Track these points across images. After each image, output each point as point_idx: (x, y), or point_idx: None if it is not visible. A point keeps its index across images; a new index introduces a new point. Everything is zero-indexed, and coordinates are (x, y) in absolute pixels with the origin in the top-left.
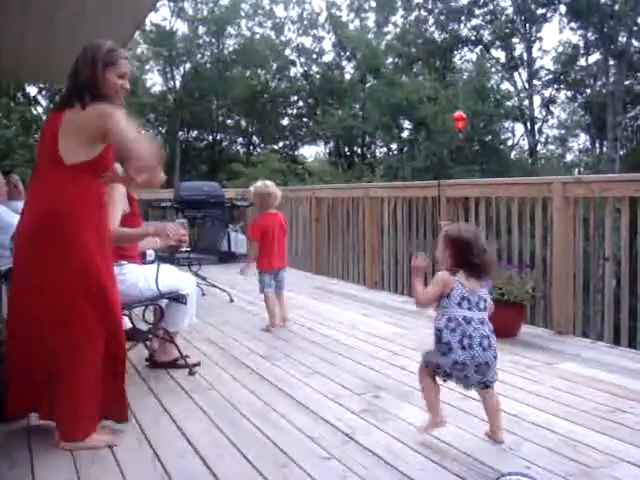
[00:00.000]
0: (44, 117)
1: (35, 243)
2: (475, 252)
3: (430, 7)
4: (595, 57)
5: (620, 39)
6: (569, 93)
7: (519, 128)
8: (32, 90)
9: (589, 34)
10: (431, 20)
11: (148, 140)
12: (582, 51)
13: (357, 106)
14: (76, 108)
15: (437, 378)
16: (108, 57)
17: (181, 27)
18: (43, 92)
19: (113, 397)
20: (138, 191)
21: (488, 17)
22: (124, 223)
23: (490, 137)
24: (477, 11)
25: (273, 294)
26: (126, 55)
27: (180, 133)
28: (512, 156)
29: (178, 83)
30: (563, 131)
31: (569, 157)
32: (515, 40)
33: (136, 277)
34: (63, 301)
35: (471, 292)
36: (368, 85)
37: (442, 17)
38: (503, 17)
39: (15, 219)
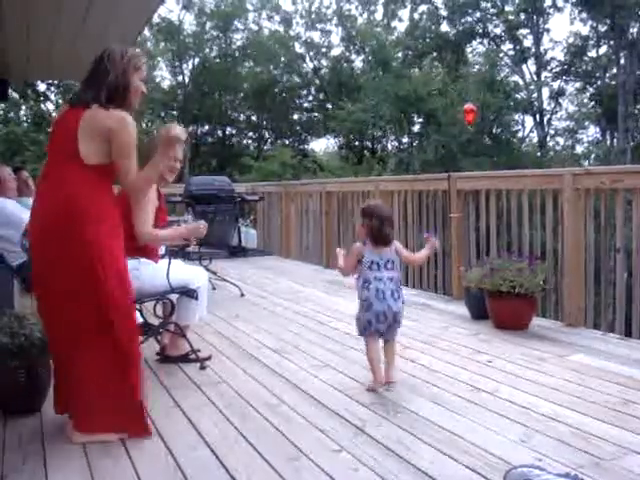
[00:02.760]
0: (54, 113)
1: (50, 242)
2: (382, 225)
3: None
4: (605, 48)
5: (631, 30)
6: (578, 85)
7: (529, 121)
8: (41, 86)
9: (599, 25)
10: (441, 13)
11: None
12: (592, 42)
13: (367, 100)
14: (97, 109)
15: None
16: (136, 61)
17: (188, 19)
18: (52, 88)
19: (128, 409)
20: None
21: (496, 10)
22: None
23: (500, 130)
24: (486, 4)
25: None
26: (146, 60)
27: (190, 128)
28: (522, 148)
29: (187, 78)
30: (572, 123)
31: (579, 149)
32: (524, 32)
33: (152, 272)
34: (81, 296)
35: (379, 256)
36: (377, 79)
37: (451, 11)
38: (513, 8)
39: (26, 215)
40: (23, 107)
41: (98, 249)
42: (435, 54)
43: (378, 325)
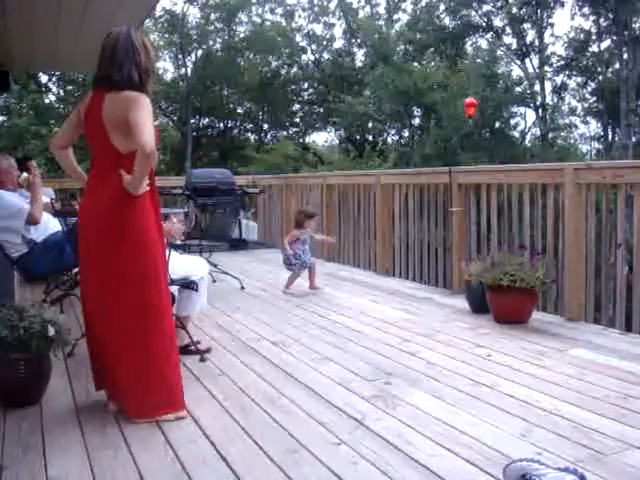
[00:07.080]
0: (56, 105)
1: (100, 236)
2: (300, 218)
3: None
4: (607, 43)
5: (634, 25)
6: (579, 79)
7: (530, 115)
8: (43, 78)
9: (601, 20)
10: (442, 7)
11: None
12: (594, 37)
13: (368, 93)
14: (115, 94)
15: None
16: (152, 48)
17: (192, 12)
18: (53, 79)
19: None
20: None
21: (499, 3)
22: None
23: (500, 124)
24: None
25: None
26: None
27: (192, 120)
28: (523, 143)
29: (189, 70)
30: (573, 118)
31: (580, 144)
32: (526, 26)
33: None
34: (135, 286)
35: (301, 234)
36: (378, 72)
37: (453, 3)
38: (515, 1)
39: (26, 204)
40: (25, 99)
41: (143, 238)
42: (436, 47)
43: (301, 268)
